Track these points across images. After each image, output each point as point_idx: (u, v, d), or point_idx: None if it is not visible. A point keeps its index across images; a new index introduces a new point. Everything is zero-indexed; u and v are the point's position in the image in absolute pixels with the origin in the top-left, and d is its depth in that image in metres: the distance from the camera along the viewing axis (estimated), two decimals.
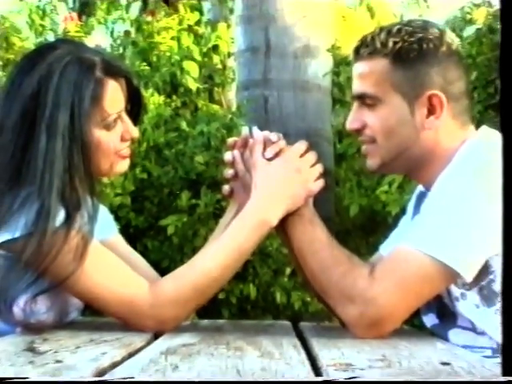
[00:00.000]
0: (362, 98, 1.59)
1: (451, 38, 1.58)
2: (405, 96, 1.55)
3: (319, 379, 0.73)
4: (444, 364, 1.12)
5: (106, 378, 0.70)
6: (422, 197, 1.61)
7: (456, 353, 1.31)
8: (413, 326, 1.60)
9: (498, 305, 1.43)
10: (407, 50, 1.54)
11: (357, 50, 1.60)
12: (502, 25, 0.85)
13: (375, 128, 1.57)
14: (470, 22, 5.16)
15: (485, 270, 1.43)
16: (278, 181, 1.57)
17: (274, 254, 3.51)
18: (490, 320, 1.45)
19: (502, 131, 0.78)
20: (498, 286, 1.43)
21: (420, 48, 1.54)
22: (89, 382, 0.70)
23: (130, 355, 1.18)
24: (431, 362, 1.14)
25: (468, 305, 1.48)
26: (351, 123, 1.61)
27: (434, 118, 1.55)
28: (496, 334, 1.44)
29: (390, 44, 1.54)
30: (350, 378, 0.71)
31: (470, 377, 0.99)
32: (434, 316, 1.56)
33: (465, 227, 1.42)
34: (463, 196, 1.44)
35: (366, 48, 1.57)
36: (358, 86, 1.59)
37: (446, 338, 1.52)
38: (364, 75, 1.58)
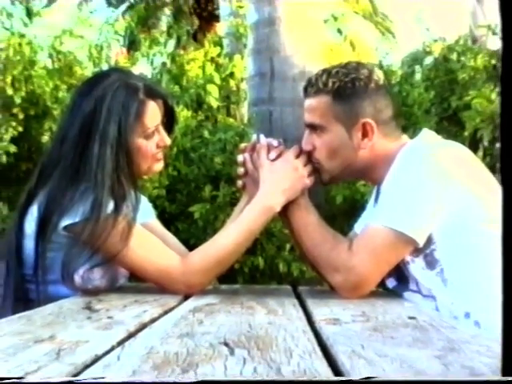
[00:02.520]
0: (311, 127, 1.59)
1: (378, 75, 1.58)
2: (344, 124, 1.54)
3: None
4: (411, 318, 1.11)
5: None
6: (378, 190, 1.60)
7: (420, 309, 1.30)
8: (385, 289, 1.58)
9: (438, 268, 1.44)
10: (344, 88, 1.53)
11: (305, 89, 1.60)
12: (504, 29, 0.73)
13: (321, 151, 1.57)
14: (429, 53, 5.13)
15: (429, 241, 1.43)
16: (280, 177, 1.56)
17: (277, 233, 3.50)
18: (432, 280, 1.45)
19: (502, 142, 0.72)
20: (438, 255, 1.44)
21: (353, 86, 1.53)
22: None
23: (166, 312, 1.18)
24: (401, 317, 1.13)
25: (416, 267, 1.47)
26: (304, 146, 1.60)
27: (367, 140, 1.54)
28: (435, 290, 1.45)
29: (330, 84, 1.54)
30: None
31: (443, 344, 0.97)
32: (393, 279, 1.56)
33: (414, 205, 1.41)
34: (410, 180, 1.43)
35: (311, 87, 1.57)
36: (307, 118, 1.59)
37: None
38: (311, 109, 1.58)
